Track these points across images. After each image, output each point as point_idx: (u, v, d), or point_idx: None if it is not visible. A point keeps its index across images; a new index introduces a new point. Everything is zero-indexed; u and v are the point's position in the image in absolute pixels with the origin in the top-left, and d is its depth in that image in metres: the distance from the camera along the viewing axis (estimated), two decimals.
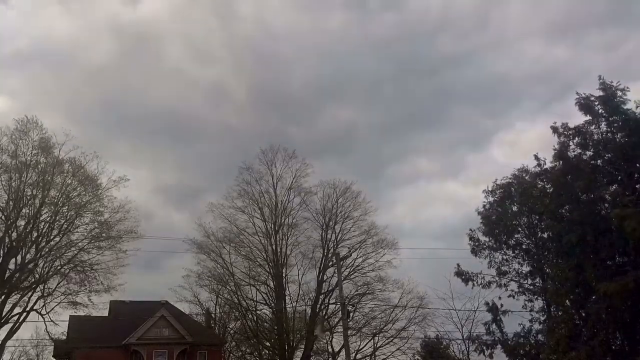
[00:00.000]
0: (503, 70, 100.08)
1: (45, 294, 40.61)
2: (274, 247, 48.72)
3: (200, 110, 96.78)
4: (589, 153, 29.15)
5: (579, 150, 29.25)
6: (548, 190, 32.32)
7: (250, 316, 48.85)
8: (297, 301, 48.30)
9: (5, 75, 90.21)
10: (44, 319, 40.50)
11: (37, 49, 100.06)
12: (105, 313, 47.59)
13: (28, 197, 40.93)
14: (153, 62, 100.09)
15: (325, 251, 48.63)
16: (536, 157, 35.03)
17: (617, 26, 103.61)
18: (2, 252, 39.85)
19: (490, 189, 41.39)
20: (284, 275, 48.61)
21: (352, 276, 47.75)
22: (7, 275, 39.63)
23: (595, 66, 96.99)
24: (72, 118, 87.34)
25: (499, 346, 39.44)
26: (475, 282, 40.01)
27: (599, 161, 28.98)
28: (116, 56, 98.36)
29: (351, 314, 43.13)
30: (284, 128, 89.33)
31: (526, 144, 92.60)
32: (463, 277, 40.24)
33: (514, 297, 39.27)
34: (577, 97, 28.79)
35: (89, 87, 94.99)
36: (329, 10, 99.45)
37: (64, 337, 43.08)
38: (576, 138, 29.06)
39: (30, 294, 40.49)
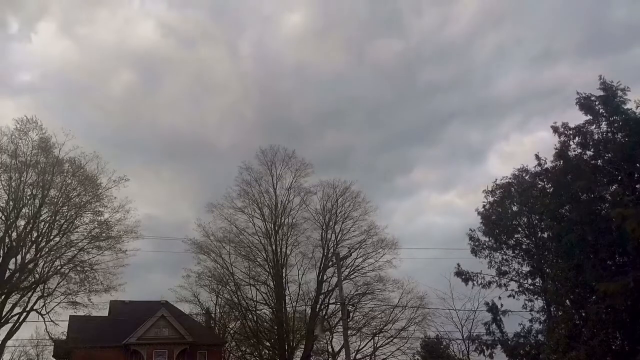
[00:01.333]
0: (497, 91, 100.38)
1: (45, 294, 40.52)
2: (273, 247, 48.74)
3: (212, 133, 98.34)
4: (589, 153, 29.13)
5: (580, 150, 29.24)
6: (548, 190, 32.29)
7: (250, 316, 48.88)
8: (297, 301, 48.44)
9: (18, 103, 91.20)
10: (44, 319, 40.42)
11: (51, 78, 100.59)
12: (105, 313, 47.60)
13: (28, 197, 40.88)
14: (165, 90, 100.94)
15: (325, 251, 48.68)
16: (537, 157, 35.04)
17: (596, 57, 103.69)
18: (2, 252, 39.78)
19: (490, 188, 41.39)
20: (284, 275, 48.70)
21: (352, 276, 47.85)
22: (7, 275, 39.56)
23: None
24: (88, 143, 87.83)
25: (499, 346, 39.46)
26: (475, 282, 40.07)
27: (599, 161, 28.96)
28: (134, 86, 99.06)
29: (351, 314, 43.21)
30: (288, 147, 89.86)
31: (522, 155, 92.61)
32: (463, 277, 40.26)
33: (514, 297, 39.33)
34: (578, 96, 28.80)
35: (104, 115, 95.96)
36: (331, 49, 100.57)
37: (64, 337, 43.06)
38: (576, 138, 29.03)
39: (30, 294, 40.40)
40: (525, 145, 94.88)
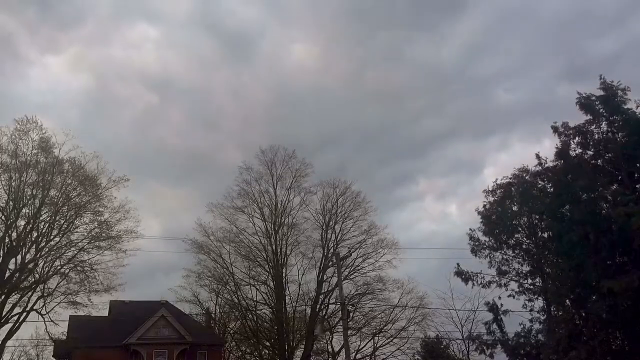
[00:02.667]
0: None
1: (45, 294, 40.46)
2: (273, 247, 48.70)
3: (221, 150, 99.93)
4: (589, 152, 29.19)
5: (580, 150, 29.29)
6: (548, 190, 32.36)
7: (250, 316, 48.82)
8: (297, 301, 48.37)
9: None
10: (44, 319, 40.35)
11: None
12: (105, 313, 47.59)
13: (28, 197, 40.83)
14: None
15: (325, 251, 48.65)
16: (537, 157, 35.06)
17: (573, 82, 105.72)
18: (2, 252, 39.73)
19: (490, 188, 41.43)
20: (284, 275, 48.64)
21: (352, 276, 47.82)
22: (7, 275, 39.53)
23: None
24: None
25: (499, 346, 39.46)
26: (475, 282, 40.07)
27: (599, 161, 29.02)
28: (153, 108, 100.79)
29: (351, 314, 43.12)
30: None
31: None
32: (463, 277, 40.27)
33: (514, 297, 39.36)
34: (578, 96, 28.82)
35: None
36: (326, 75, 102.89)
37: (64, 337, 42.98)
38: (577, 137, 29.08)
39: (30, 294, 40.35)
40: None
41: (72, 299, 41.13)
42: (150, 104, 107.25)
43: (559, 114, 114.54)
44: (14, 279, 39.61)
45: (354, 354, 45.94)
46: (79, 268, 41.47)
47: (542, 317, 37.87)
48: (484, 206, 40.74)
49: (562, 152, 29.12)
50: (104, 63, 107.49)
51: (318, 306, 47.68)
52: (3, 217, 40.15)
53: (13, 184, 40.27)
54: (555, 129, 29.31)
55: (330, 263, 47.24)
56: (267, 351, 49.79)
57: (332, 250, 47.67)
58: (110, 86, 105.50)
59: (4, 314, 38.97)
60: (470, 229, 41.03)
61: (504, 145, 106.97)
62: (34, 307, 40.09)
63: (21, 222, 40.82)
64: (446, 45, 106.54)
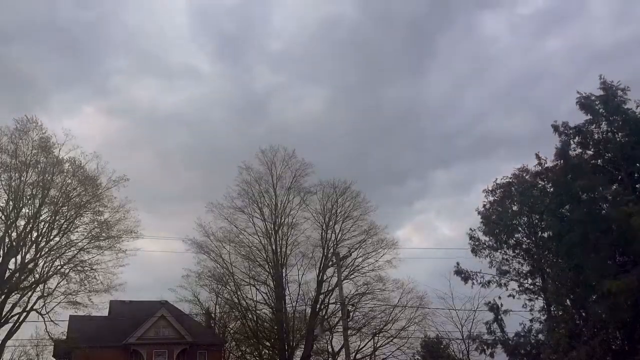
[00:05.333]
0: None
1: (45, 294, 40.49)
2: (273, 247, 48.68)
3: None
4: (589, 152, 29.20)
5: (580, 150, 29.28)
6: (548, 190, 32.35)
7: (250, 316, 48.80)
8: (297, 301, 48.34)
9: None
10: (44, 319, 40.38)
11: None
12: (105, 313, 47.60)
13: (28, 197, 40.85)
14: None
15: (325, 251, 48.60)
16: (537, 156, 35.04)
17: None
18: (2, 252, 39.75)
19: (490, 188, 41.34)
20: (283, 275, 48.62)
21: (352, 276, 47.76)
22: (7, 275, 39.55)
23: None
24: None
25: (499, 345, 39.44)
26: (474, 281, 40.03)
27: (599, 160, 29.03)
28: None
29: (351, 314, 43.07)
30: None
31: None
32: (462, 276, 40.23)
33: (514, 296, 39.28)
34: (578, 96, 28.84)
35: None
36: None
37: (64, 337, 42.99)
38: (577, 137, 29.07)
39: (30, 294, 40.38)
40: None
41: (72, 299, 41.20)
42: None
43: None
44: (14, 279, 39.63)
45: (354, 354, 45.94)
46: (79, 268, 41.54)
47: (542, 317, 37.81)
48: (484, 206, 40.70)
49: (561, 152, 29.11)
50: None
51: (318, 306, 47.66)
52: (3, 217, 40.19)
53: (13, 183, 40.31)
54: (555, 128, 29.31)
55: (330, 263, 47.23)
56: (267, 351, 49.79)
57: (332, 250, 47.64)
58: None
59: (4, 314, 38.99)
60: (471, 229, 41.02)
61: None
62: (34, 307, 40.12)
63: (21, 222, 40.91)
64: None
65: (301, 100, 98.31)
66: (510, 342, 38.69)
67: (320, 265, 48.17)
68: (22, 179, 40.47)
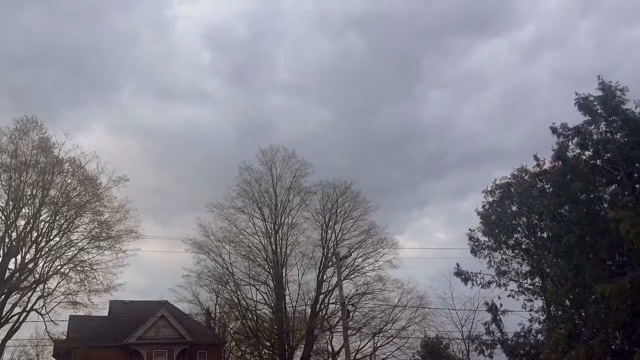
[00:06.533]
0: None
1: (45, 294, 40.54)
2: (273, 247, 48.74)
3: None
4: (588, 153, 29.13)
5: (578, 150, 29.23)
6: (547, 191, 32.25)
7: (250, 316, 48.88)
8: (297, 301, 48.42)
9: None
10: (44, 319, 40.42)
11: None
12: (105, 313, 47.61)
13: (28, 197, 40.89)
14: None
15: (325, 251, 48.67)
16: (535, 158, 35.00)
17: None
18: (2, 252, 39.82)
19: (489, 189, 41.35)
20: (283, 275, 48.69)
21: (352, 276, 47.86)
22: (7, 275, 39.61)
23: None
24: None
25: (498, 346, 39.47)
26: (474, 282, 40.06)
27: (598, 161, 28.95)
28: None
29: (351, 314, 43.10)
30: None
31: None
32: (462, 277, 40.26)
33: (513, 297, 39.28)
34: (577, 97, 28.80)
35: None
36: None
37: (64, 337, 43.03)
38: (575, 138, 29.02)
39: (30, 294, 40.43)
40: None
41: (72, 299, 41.25)
42: None
43: None
44: (14, 279, 39.68)
45: (354, 354, 45.97)
46: (79, 268, 41.59)
47: (542, 317, 37.86)
48: (483, 206, 40.70)
49: (559, 153, 29.10)
50: None
51: (318, 306, 47.73)
52: (3, 217, 40.25)
53: (13, 184, 40.35)
54: (553, 130, 29.29)
55: (330, 263, 47.28)
56: (267, 351, 49.84)
57: (332, 250, 47.70)
58: None
59: (4, 314, 39.04)
60: (470, 229, 41.04)
61: None
62: (34, 307, 40.16)
63: (21, 222, 40.97)
64: None
65: (303, 123, 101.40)
66: (509, 342, 38.74)
67: (320, 265, 48.25)
68: (22, 179, 40.51)
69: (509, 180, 40.43)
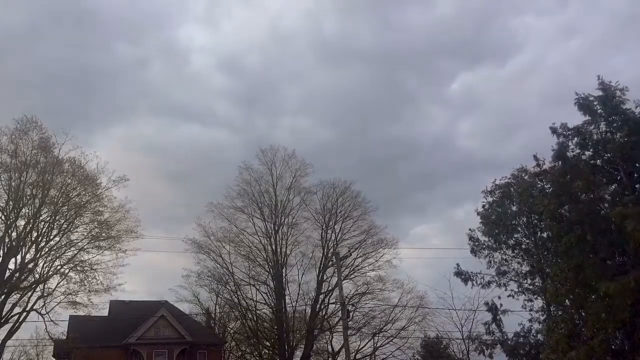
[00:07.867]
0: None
1: (45, 294, 40.57)
2: (273, 247, 48.73)
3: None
4: (588, 153, 29.07)
5: (578, 150, 29.17)
6: (547, 190, 32.24)
7: (250, 316, 48.85)
8: (297, 301, 48.40)
9: None
10: (44, 319, 40.45)
11: None
12: (105, 313, 47.63)
13: (28, 197, 40.91)
14: None
15: (325, 251, 48.67)
16: (535, 158, 35.00)
17: None
18: (2, 252, 39.83)
19: (489, 189, 41.33)
20: (283, 275, 48.66)
21: (352, 276, 47.84)
22: (7, 275, 39.62)
23: None
24: None
25: (498, 346, 39.48)
26: (474, 282, 40.07)
27: (598, 161, 28.92)
28: None
29: (351, 314, 43.14)
30: None
31: None
32: (462, 277, 40.28)
33: (513, 296, 39.32)
34: (577, 97, 28.76)
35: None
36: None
37: (64, 337, 43.07)
38: (575, 138, 28.98)
39: (30, 294, 40.46)
40: None
41: (72, 299, 41.28)
42: None
43: None
44: (14, 279, 39.70)
45: (354, 354, 45.95)
46: (79, 268, 41.64)
47: (542, 317, 37.88)
48: (483, 206, 40.69)
49: (559, 153, 29.08)
50: None
51: (318, 306, 47.72)
52: (3, 217, 40.27)
53: (13, 183, 40.37)
54: (553, 130, 29.27)
55: (330, 263, 47.27)
56: (267, 351, 49.82)
57: (332, 250, 47.69)
58: None
59: (4, 314, 39.05)
60: (470, 229, 41.04)
61: None
62: (34, 307, 40.20)
63: (21, 222, 41.00)
64: None
65: (307, 141, 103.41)
66: (509, 342, 38.75)
67: (320, 265, 48.25)
68: (22, 179, 40.54)
69: (509, 180, 40.43)
